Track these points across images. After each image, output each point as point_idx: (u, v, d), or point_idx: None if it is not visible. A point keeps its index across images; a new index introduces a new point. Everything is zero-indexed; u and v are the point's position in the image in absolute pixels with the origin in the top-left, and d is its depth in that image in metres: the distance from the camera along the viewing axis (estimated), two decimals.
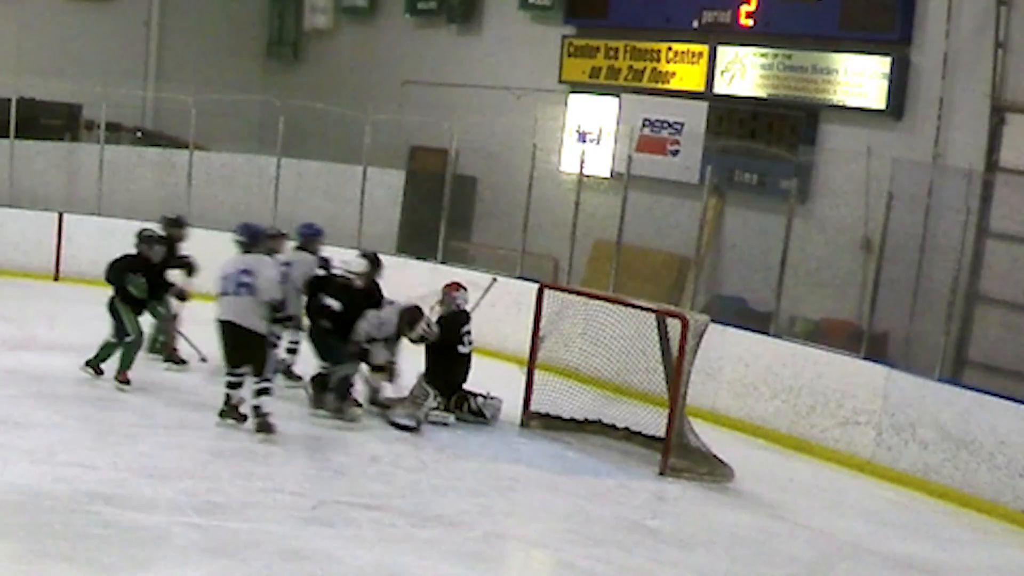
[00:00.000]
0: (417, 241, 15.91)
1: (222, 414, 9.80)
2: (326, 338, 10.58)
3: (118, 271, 10.82)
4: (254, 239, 9.97)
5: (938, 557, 9.03)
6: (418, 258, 14.13)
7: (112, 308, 10.77)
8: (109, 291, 10.88)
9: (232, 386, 9.79)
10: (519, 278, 13.65)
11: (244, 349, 9.64)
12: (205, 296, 10.93)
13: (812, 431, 11.46)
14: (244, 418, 9.75)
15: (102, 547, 6.94)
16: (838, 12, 13.50)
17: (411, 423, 10.30)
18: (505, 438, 10.55)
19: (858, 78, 13.39)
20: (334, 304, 10.55)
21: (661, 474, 9.95)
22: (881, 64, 13.18)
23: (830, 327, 13.01)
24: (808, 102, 13.88)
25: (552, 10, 16.86)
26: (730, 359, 12.06)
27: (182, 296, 11.42)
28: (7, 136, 15.91)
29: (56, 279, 15.52)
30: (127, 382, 10.56)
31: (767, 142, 14.01)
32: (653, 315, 10.52)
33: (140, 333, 10.76)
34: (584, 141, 16.06)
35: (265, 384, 9.61)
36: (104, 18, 19.83)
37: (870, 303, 12.04)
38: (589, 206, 14.15)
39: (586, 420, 10.87)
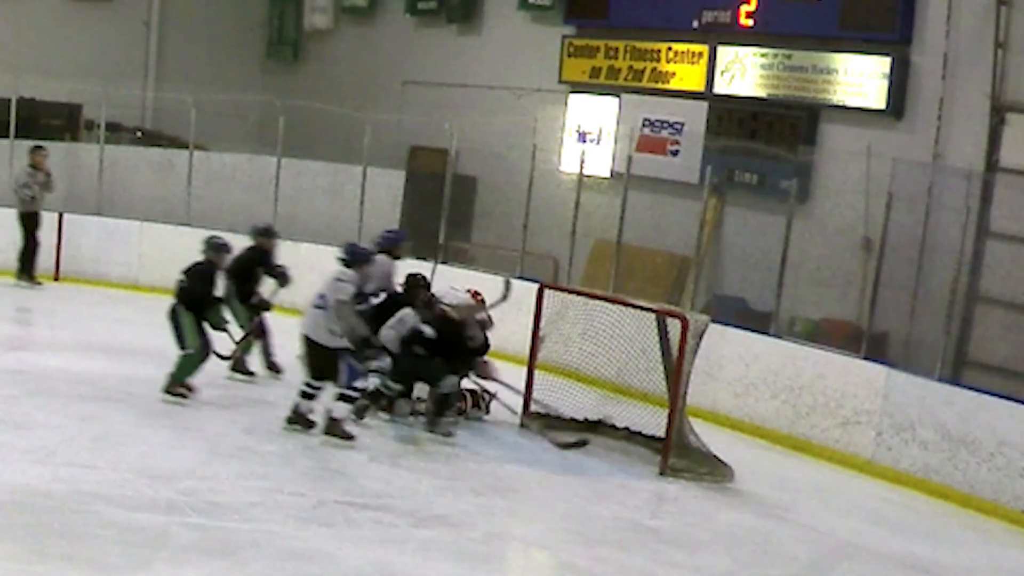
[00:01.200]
0: (417, 241, 15.91)
1: (290, 420, 9.79)
2: (417, 361, 10.44)
3: (200, 281, 10.53)
4: (354, 259, 9.93)
5: (938, 557, 9.03)
6: (418, 258, 14.09)
7: (174, 316, 10.46)
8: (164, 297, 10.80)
9: (304, 395, 9.80)
10: (519, 278, 13.63)
11: (317, 362, 9.71)
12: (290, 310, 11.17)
13: (812, 431, 11.46)
14: (312, 424, 9.76)
15: (102, 547, 6.93)
16: (838, 12, 13.50)
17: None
18: (505, 438, 10.55)
19: (858, 78, 13.39)
20: (428, 331, 10.39)
21: (661, 474, 9.95)
22: (881, 64, 13.18)
23: (830, 327, 13.01)
24: (808, 102, 13.88)
25: (552, 10, 16.85)
26: (730, 359, 12.06)
27: (265, 306, 11.44)
28: (7, 136, 15.91)
29: (56, 279, 15.52)
30: (181, 394, 10.31)
31: (767, 142, 14.01)
32: (653, 315, 10.52)
33: (200, 347, 10.43)
34: (584, 141, 16.06)
35: (344, 392, 9.59)
36: (104, 18, 19.83)
37: (870, 303, 12.05)
38: (589, 206, 14.15)
39: (586, 420, 10.87)
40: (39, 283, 14.92)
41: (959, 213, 11.60)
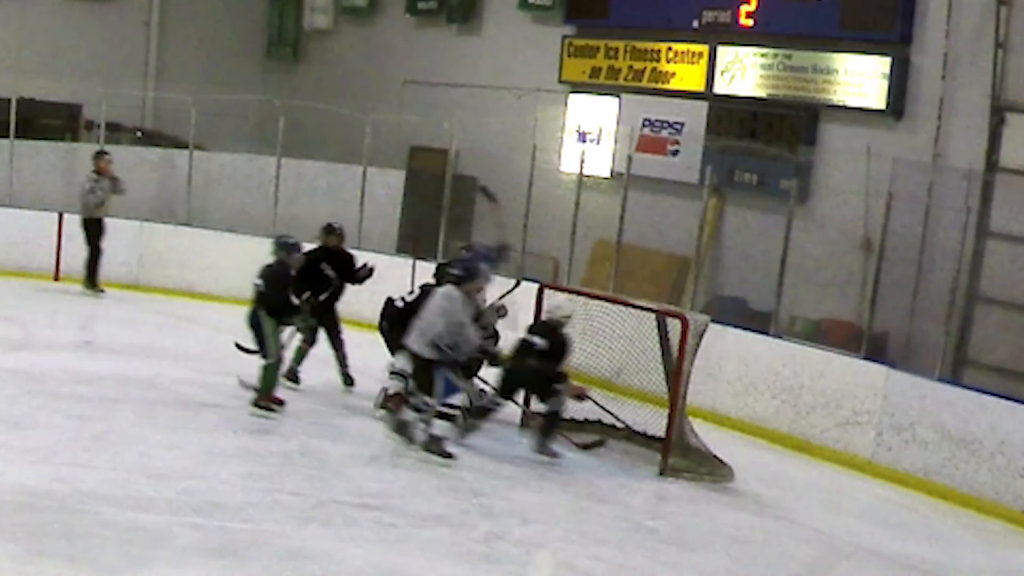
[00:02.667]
0: (417, 241, 15.90)
1: (395, 430, 9.76)
2: (529, 374, 10.29)
3: (278, 285, 10.31)
4: (467, 276, 9.79)
5: (938, 557, 9.03)
6: (418, 258, 14.09)
7: (254, 322, 10.25)
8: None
9: (416, 410, 9.76)
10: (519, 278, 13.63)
11: (417, 372, 9.67)
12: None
13: (812, 431, 11.46)
14: (415, 440, 9.70)
15: (102, 547, 6.93)
16: (838, 12, 13.50)
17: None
18: (505, 438, 10.55)
19: (858, 78, 13.39)
20: (540, 342, 10.23)
21: (661, 474, 9.95)
22: (881, 64, 13.18)
23: (830, 327, 13.01)
24: (808, 102, 13.88)
25: (552, 10, 16.86)
26: (730, 359, 12.06)
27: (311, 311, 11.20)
28: (7, 136, 15.91)
29: (56, 279, 15.52)
30: (271, 408, 10.18)
31: (767, 142, 14.01)
32: (653, 315, 10.52)
33: (279, 355, 10.29)
34: (584, 141, 16.06)
35: (439, 408, 9.49)
36: (104, 18, 19.83)
37: (870, 303, 12.06)
38: (589, 206, 14.15)
39: (586, 420, 10.86)
40: (102, 291, 14.86)
41: (959, 213, 11.61)
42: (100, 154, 15.12)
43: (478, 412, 10.25)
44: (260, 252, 15.26)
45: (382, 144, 16.07)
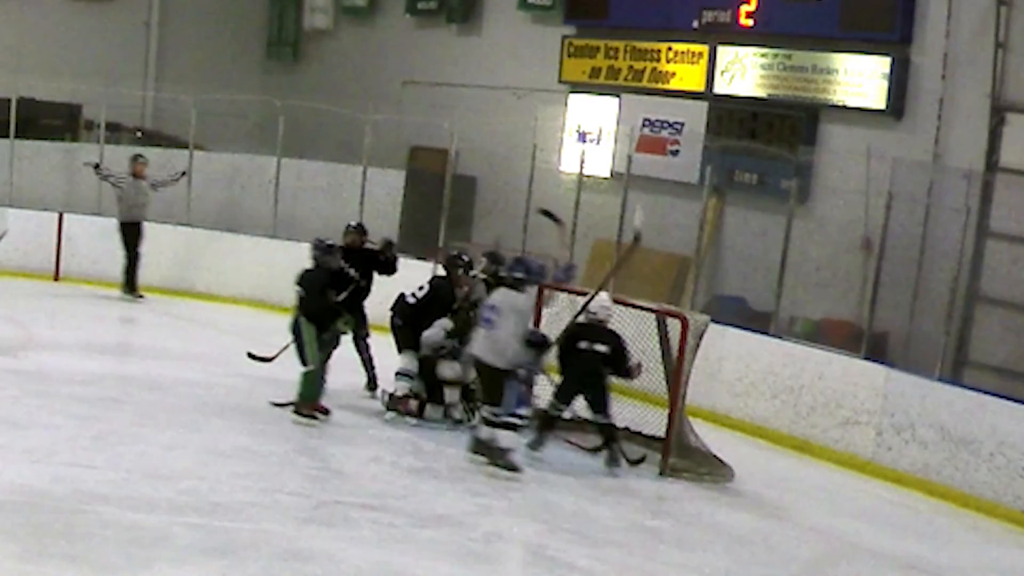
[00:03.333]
0: (417, 241, 15.91)
1: (473, 450, 9.52)
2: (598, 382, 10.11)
3: (316, 290, 10.15)
4: (530, 276, 9.58)
5: (938, 557, 9.03)
6: (418, 258, 14.11)
7: (295, 329, 10.13)
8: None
9: (486, 422, 9.49)
10: None
11: (487, 383, 9.47)
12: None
13: (812, 431, 11.46)
14: (494, 453, 9.49)
15: (102, 547, 6.93)
16: (838, 12, 13.50)
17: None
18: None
19: (858, 78, 13.39)
20: (602, 348, 10.04)
21: (661, 474, 9.95)
22: (881, 64, 13.18)
23: (830, 327, 13.01)
24: (808, 102, 13.88)
25: (552, 10, 16.86)
26: (730, 359, 12.05)
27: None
28: (7, 136, 15.91)
29: (56, 279, 15.53)
30: (314, 416, 10.04)
31: (767, 142, 14.01)
32: (653, 315, 10.51)
33: (321, 363, 10.13)
34: (584, 141, 16.06)
35: (506, 419, 9.35)
36: (104, 18, 19.84)
37: (870, 303, 12.06)
38: (589, 206, 14.15)
39: (587, 420, 10.85)
40: (141, 296, 14.81)
41: (959, 213, 11.61)
42: (136, 157, 15.05)
43: (545, 422, 10.12)
44: (260, 252, 15.49)
45: (382, 144, 16.07)
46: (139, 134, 18.88)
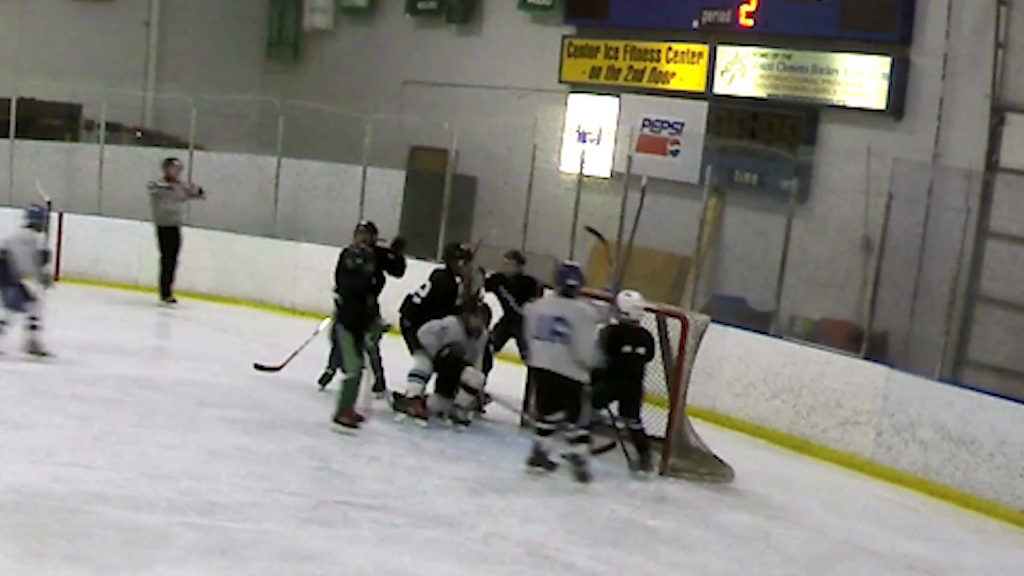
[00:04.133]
0: (417, 241, 15.92)
1: (531, 462, 9.43)
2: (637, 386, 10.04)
3: (351, 297, 10.12)
4: (580, 283, 9.49)
5: (938, 557, 9.03)
6: (418, 258, 14.10)
7: (334, 337, 10.14)
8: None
9: (543, 433, 9.41)
10: None
11: (560, 397, 9.35)
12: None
13: (812, 431, 11.46)
14: (554, 466, 9.46)
15: (102, 547, 6.93)
16: (838, 12, 13.51)
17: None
18: (505, 438, 10.55)
19: (858, 78, 13.40)
20: (643, 351, 9.97)
21: (661, 474, 9.95)
22: (881, 64, 13.19)
23: (830, 327, 13.02)
24: (808, 102, 13.89)
25: (552, 10, 16.87)
26: (730, 359, 12.05)
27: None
28: (7, 136, 15.91)
29: (56, 279, 15.50)
30: (353, 424, 9.95)
31: (767, 142, 14.02)
32: (653, 315, 10.51)
33: (360, 369, 10.00)
34: (584, 141, 16.07)
35: (582, 432, 9.32)
36: (104, 18, 19.83)
37: (870, 303, 12.06)
38: (589, 206, 14.15)
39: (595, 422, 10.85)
40: (174, 301, 14.72)
41: (959, 213, 11.61)
42: (169, 161, 14.94)
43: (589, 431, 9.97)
44: (260, 252, 15.49)
45: (382, 144, 16.07)
46: (139, 134, 18.88)
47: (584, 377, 9.30)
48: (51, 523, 7.17)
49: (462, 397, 10.49)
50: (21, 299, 11.10)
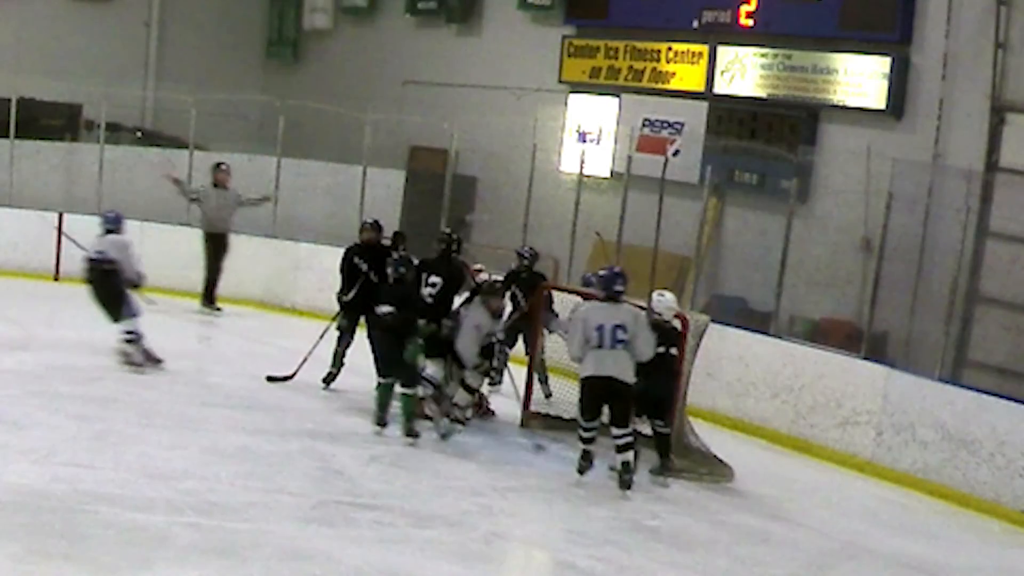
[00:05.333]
0: (417, 241, 15.90)
1: (582, 470, 9.44)
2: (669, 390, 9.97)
3: (407, 307, 9.99)
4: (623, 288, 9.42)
5: (938, 557, 9.03)
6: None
7: (392, 349, 10.02)
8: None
9: (589, 441, 9.38)
10: None
11: (614, 400, 9.30)
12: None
13: (812, 431, 11.46)
14: (589, 465, 9.45)
15: (102, 547, 6.94)
16: (838, 12, 13.51)
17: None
18: (505, 438, 10.55)
19: (858, 78, 13.40)
20: (674, 351, 9.87)
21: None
22: (881, 64, 13.18)
23: (830, 327, 13.01)
24: (808, 102, 13.89)
25: (552, 10, 16.86)
26: (730, 359, 12.05)
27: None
28: (7, 136, 15.90)
29: (56, 279, 15.52)
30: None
31: (767, 142, 14.01)
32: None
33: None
34: (584, 141, 16.07)
35: (629, 439, 9.29)
36: (104, 18, 19.84)
37: (870, 303, 12.06)
38: (589, 206, 14.15)
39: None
40: (219, 309, 14.52)
41: (959, 213, 11.60)
42: (217, 165, 14.74)
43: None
44: (259, 252, 15.46)
45: (382, 144, 16.06)
46: (139, 134, 18.88)
47: (633, 379, 9.28)
48: (51, 523, 7.18)
49: (461, 396, 10.47)
50: (134, 306, 11.28)
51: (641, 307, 9.75)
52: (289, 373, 11.33)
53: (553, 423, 10.92)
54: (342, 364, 11.32)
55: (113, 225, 11.59)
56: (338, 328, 11.40)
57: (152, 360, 11.30)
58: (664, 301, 9.88)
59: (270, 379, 11.30)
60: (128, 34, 20.13)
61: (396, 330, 9.92)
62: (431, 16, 18.67)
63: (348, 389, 11.29)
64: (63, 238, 12.15)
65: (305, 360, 11.36)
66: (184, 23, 20.52)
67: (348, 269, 11.33)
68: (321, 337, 11.49)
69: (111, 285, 11.25)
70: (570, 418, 10.86)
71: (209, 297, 14.61)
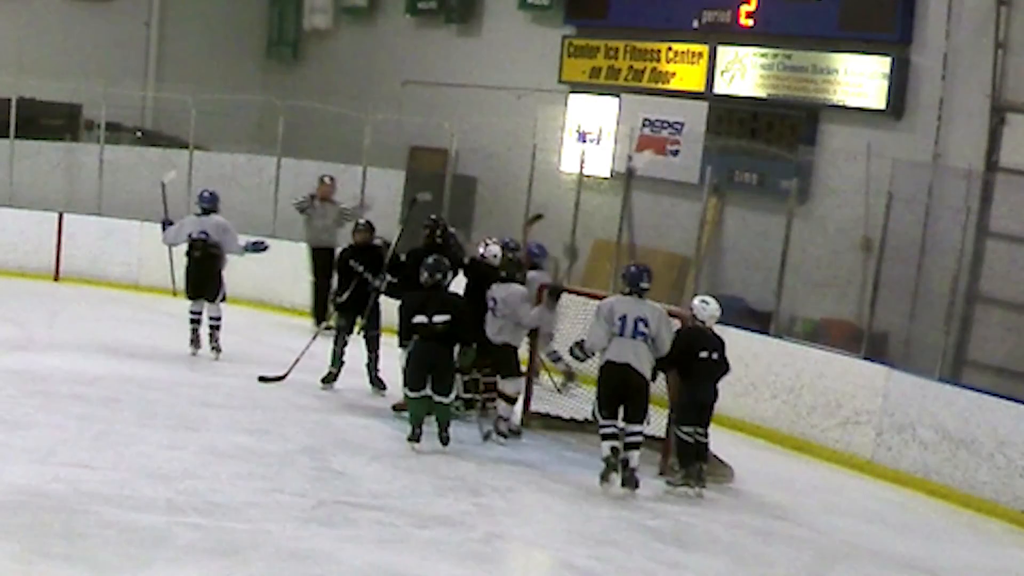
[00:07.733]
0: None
1: (603, 478, 9.26)
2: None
3: (458, 322, 9.75)
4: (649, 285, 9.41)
5: (938, 557, 9.03)
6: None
7: (442, 359, 9.83)
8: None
9: (611, 437, 9.26)
10: None
11: (631, 394, 9.27)
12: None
13: (812, 431, 11.46)
14: (616, 465, 9.32)
15: (102, 547, 6.94)
16: (838, 12, 13.50)
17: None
18: (505, 438, 10.53)
19: (858, 78, 13.39)
20: (717, 356, 9.72)
21: (661, 474, 9.94)
22: (881, 64, 13.18)
23: (830, 327, 13.01)
24: (808, 102, 13.88)
25: (552, 10, 16.86)
26: (730, 359, 12.02)
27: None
28: (7, 136, 15.91)
29: (56, 279, 15.53)
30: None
31: (767, 142, 14.01)
32: None
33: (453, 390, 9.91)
34: (584, 141, 16.06)
35: (639, 438, 9.27)
36: (104, 18, 19.83)
37: (870, 303, 12.06)
38: (589, 206, 14.15)
39: (586, 420, 10.85)
40: (330, 327, 12.66)
41: (959, 213, 11.60)
42: (321, 179, 14.33)
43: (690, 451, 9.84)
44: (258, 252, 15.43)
45: (382, 144, 16.07)
46: (139, 134, 18.88)
47: (650, 372, 9.31)
48: (51, 523, 7.18)
49: (503, 408, 10.38)
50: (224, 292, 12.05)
51: (672, 313, 9.76)
52: (281, 374, 11.33)
53: (553, 423, 10.92)
54: (342, 363, 11.32)
55: (210, 204, 11.91)
56: (336, 328, 11.41)
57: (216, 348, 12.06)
58: (708, 309, 9.68)
59: (262, 379, 11.30)
60: (128, 34, 20.12)
61: (444, 338, 9.76)
62: (431, 16, 18.67)
63: (347, 389, 11.30)
64: (162, 190, 12.35)
65: (297, 361, 11.36)
66: (184, 23, 20.51)
67: (343, 270, 11.34)
68: (313, 338, 11.51)
69: (212, 266, 11.86)
70: (570, 418, 10.89)
71: (320, 314, 13.48)
